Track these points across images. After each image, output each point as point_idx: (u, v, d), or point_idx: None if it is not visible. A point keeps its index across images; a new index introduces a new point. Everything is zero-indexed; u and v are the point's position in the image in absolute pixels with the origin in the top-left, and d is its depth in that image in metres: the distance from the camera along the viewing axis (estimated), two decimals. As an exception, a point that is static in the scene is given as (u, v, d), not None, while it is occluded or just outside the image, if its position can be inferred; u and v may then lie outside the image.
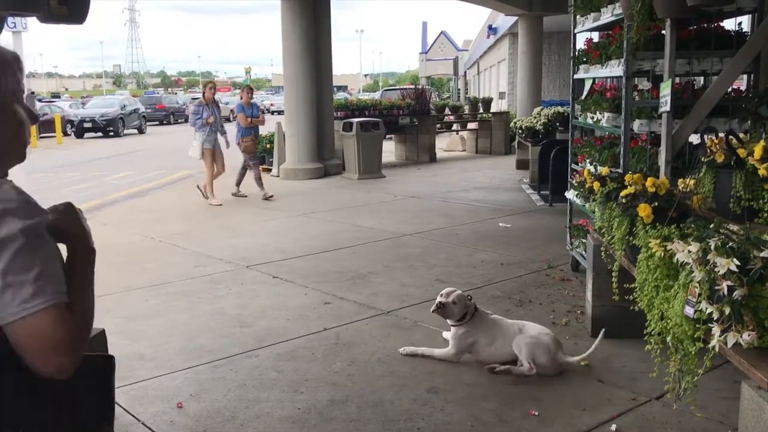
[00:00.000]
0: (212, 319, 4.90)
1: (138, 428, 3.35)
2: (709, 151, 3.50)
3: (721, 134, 3.64)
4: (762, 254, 2.23)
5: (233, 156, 10.86)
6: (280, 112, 28.57)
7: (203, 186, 10.14)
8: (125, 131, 28.74)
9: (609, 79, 6.01)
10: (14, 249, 1.16)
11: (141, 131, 29.84)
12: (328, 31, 13.45)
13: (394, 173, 13.57)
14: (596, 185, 3.99)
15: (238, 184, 10.60)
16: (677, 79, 4.48)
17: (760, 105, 4.35)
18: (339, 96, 22.52)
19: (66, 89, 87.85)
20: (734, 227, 2.60)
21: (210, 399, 3.58)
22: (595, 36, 5.96)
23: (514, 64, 22.14)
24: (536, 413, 3.39)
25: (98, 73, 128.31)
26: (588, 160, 5.51)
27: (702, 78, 5.18)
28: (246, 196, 10.46)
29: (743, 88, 5.07)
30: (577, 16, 5.80)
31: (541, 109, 13.09)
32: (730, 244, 2.32)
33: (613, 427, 3.24)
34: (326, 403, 3.57)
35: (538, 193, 10.11)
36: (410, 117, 15.28)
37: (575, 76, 5.94)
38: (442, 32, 47.53)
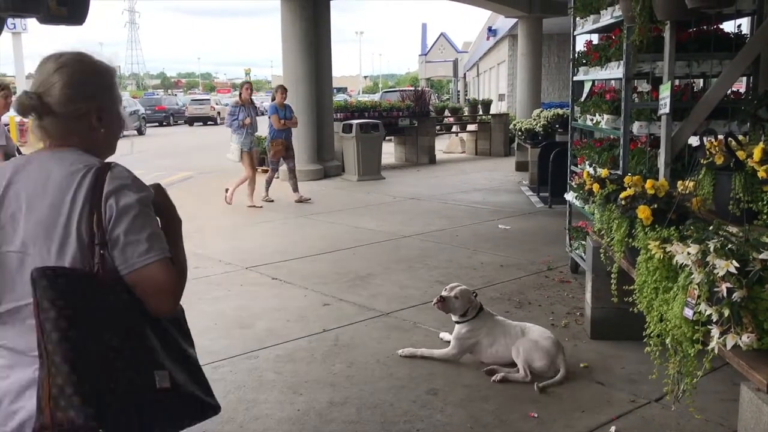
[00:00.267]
0: (212, 320, 4.90)
1: (137, 429, 3.35)
2: (708, 153, 3.50)
3: (721, 136, 3.64)
4: (761, 256, 2.23)
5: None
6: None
7: (230, 192, 9.82)
8: (125, 132, 28.63)
9: (608, 81, 6.01)
10: (132, 215, 1.50)
11: (140, 132, 29.84)
12: (327, 32, 13.46)
13: (393, 175, 13.57)
14: (596, 187, 3.99)
15: (295, 189, 10.31)
16: (677, 82, 4.49)
17: (760, 107, 4.35)
18: (339, 97, 22.51)
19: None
20: (733, 229, 2.60)
21: (209, 400, 3.57)
22: (595, 38, 5.97)
23: (514, 66, 22.16)
24: (536, 415, 3.39)
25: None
26: (587, 162, 5.51)
27: (701, 80, 5.19)
28: (273, 201, 10.19)
29: (742, 90, 5.07)
30: (577, 18, 5.81)
31: (541, 111, 13.10)
32: (730, 246, 2.32)
33: (613, 429, 3.23)
34: (325, 405, 3.57)
35: (538, 195, 10.12)
36: (410, 119, 15.28)
37: (575, 78, 5.94)
38: (441, 34, 47.55)
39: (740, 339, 2.14)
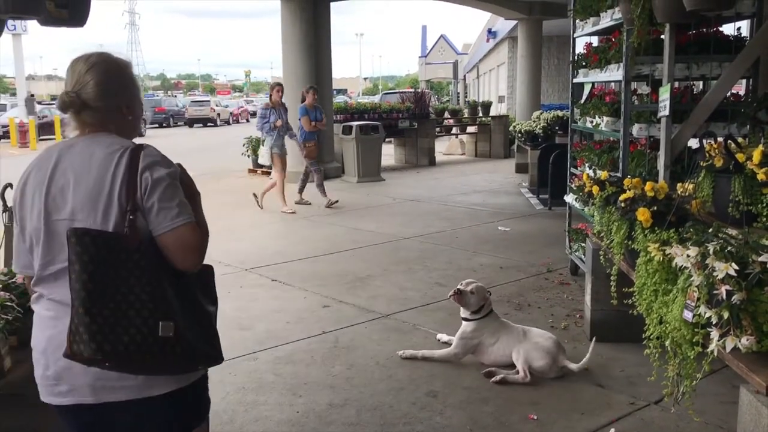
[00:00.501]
0: (211, 322, 4.89)
1: (136, 431, 3.34)
2: (708, 155, 3.50)
3: (720, 139, 3.65)
4: (760, 259, 2.23)
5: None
6: (279, 115, 28.58)
7: (261, 194, 9.73)
8: (125, 134, 28.72)
9: (608, 84, 6.02)
10: (164, 186, 1.78)
11: (141, 134, 29.76)
12: (327, 34, 13.47)
13: (393, 176, 13.57)
14: (595, 189, 4.00)
15: (301, 191, 10.17)
16: (676, 84, 4.49)
17: (759, 109, 4.36)
18: (338, 99, 22.55)
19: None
20: (733, 231, 2.60)
21: (208, 402, 3.57)
22: (595, 40, 5.97)
23: (514, 67, 22.16)
24: (535, 417, 3.39)
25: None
26: (587, 164, 5.52)
27: (701, 82, 5.19)
28: (310, 204, 10.04)
29: (742, 92, 5.07)
30: (577, 21, 5.81)
31: (541, 113, 13.09)
32: (729, 248, 2.32)
33: (612, 431, 3.24)
34: (325, 407, 3.56)
35: (537, 197, 10.13)
36: (410, 120, 15.28)
37: (574, 80, 5.95)
38: (441, 36, 47.61)
39: (739, 341, 2.14)
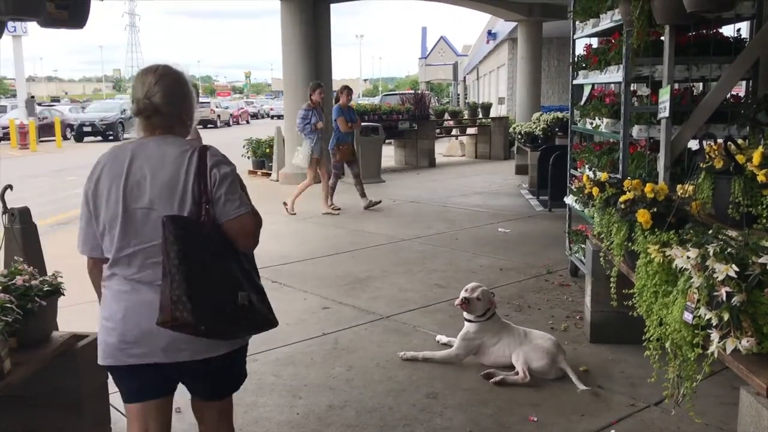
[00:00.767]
0: (211, 323, 4.89)
1: (136, 433, 3.34)
2: (707, 156, 3.50)
3: (720, 140, 3.64)
4: (760, 260, 2.22)
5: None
6: (279, 117, 28.61)
7: (290, 202, 9.38)
8: (125, 135, 28.71)
9: (608, 85, 6.02)
10: (230, 181, 2.13)
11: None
12: (327, 35, 13.47)
13: (393, 178, 13.57)
14: (595, 191, 4.00)
15: (330, 196, 9.72)
16: (676, 85, 4.49)
17: (759, 111, 4.35)
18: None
19: (66, 93, 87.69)
20: (733, 233, 2.60)
21: (208, 404, 3.56)
22: (594, 42, 5.97)
23: (514, 69, 22.17)
24: (535, 419, 3.39)
25: (98, 78, 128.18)
26: (587, 166, 5.51)
27: (701, 84, 5.19)
28: (340, 209, 9.61)
29: (742, 94, 5.07)
30: (577, 22, 5.81)
31: (541, 115, 13.10)
32: (729, 250, 2.32)
33: (612, 432, 3.23)
34: (325, 408, 3.56)
35: (537, 199, 10.12)
36: (410, 122, 15.27)
37: (574, 82, 5.95)
38: (441, 37, 47.66)
39: (740, 343, 2.14)
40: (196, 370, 2.17)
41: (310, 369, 4.09)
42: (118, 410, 3.52)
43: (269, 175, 13.66)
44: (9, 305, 2.62)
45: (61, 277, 2.99)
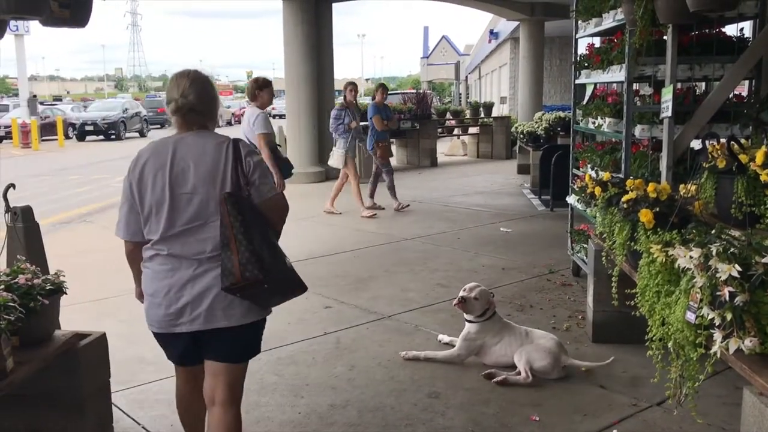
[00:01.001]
0: (213, 322, 4.89)
1: (138, 432, 3.35)
2: (710, 156, 3.49)
3: (723, 140, 3.64)
4: (764, 260, 2.22)
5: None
6: (281, 116, 28.59)
7: (330, 203, 9.32)
8: (127, 134, 28.78)
9: (610, 84, 6.01)
10: (261, 167, 2.53)
11: (143, 134, 29.85)
12: (329, 35, 13.46)
13: (395, 177, 13.53)
14: (597, 190, 3.99)
15: (372, 194, 9.64)
16: (679, 85, 4.48)
17: (762, 110, 4.34)
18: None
19: (68, 92, 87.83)
20: (736, 233, 2.59)
21: (210, 403, 3.56)
22: (597, 41, 5.95)
23: (516, 68, 22.16)
24: (537, 419, 3.39)
25: (100, 77, 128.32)
26: (589, 165, 5.50)
27: (704, 83, 5.17)
28: (383, 209, 9.54)
29: (745, 93, 5.06)
30: (579, 21, 5.80)
31: (543, 114, 13.08)
32: (732, 249, 2.31)
33: (614, 432, 3.23)
34: (326, 408, 3.56)
35: (539, 198, 10.12)
36: (411, 121, 15.26)
37: (577, 81, 5.94)
38: (443, 37, 47.67)
39: (743, 343, 2.14)
40: (230, 335, 2.49)
41: (312, 368, 4.09)
42: (120, 409, 3.53)
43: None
44: (11, 304, 2.62)
45: (64, 275, 2.99)
